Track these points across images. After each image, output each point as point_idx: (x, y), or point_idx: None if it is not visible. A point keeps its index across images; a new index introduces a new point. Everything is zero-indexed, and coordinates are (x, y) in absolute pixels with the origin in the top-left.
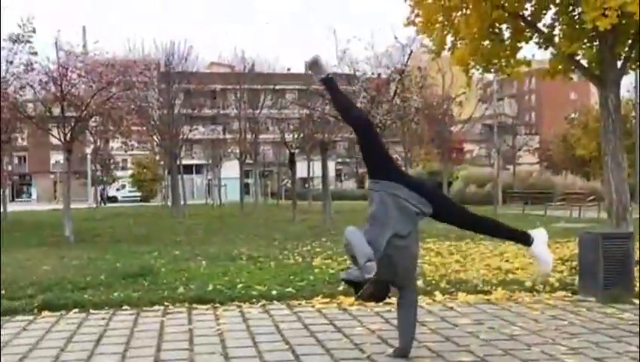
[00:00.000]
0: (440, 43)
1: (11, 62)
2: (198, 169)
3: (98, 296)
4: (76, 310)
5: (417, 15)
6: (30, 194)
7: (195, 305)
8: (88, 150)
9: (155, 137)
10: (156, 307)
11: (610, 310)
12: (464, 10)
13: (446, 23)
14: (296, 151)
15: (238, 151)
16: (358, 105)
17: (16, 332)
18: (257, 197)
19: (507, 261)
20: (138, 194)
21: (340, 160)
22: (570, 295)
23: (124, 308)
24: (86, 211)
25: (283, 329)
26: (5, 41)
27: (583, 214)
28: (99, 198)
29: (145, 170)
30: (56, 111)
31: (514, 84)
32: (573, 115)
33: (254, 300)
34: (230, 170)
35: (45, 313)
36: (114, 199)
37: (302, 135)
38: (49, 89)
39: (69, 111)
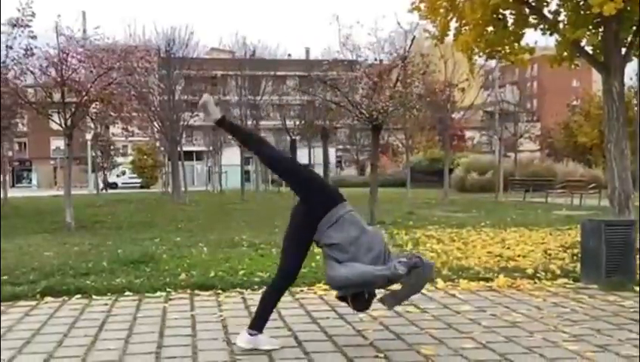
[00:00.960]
0: (443, 28)
1: (11, 47)
2: (199, 156)
3: (100, 282)
4: (79, 296)
5: (422, 0)
6: (30, 180)
7: (197, 292)
8: (88, 136)
9: (155, 123)
10: (158, 293)
11: (612, 297)
12: None
13: (450, 8)
14: (298, 137)
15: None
16: (360, 91)
17: (20, 317)
18: (258, 185)
19: (508, 248)
20: (138, 180)
21: (340, 147)
22: (572, 282)
23: (126, 294)
24: (86, 197)
25: (285, 315)
26: (4, 25)
27: (584, 202)
28: (101, 185)
29: (145, 157)
30: (57, 96)
31: (515, 71)
32: (575, 103)
33: (256, 286)
34: (231, 157)
35: (48, 299)
36: (114, 185)
37: (303, 121)
38: (49, 74)
39: (70, 96)
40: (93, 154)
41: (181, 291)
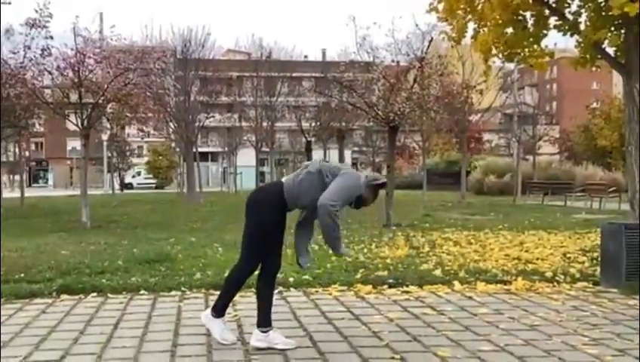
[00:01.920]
0: (460, 30)
1: (29, 47)
2: (214, 157)
3: (116, 280)
4: (94, 294)
5: (440, 1)
6: (47, 180)
7: (212, 291)
8: (105, 136)
9: (171, 124)
10: (173, 292)
11: (632, 301)
12: None
13: (468, 9)
14: (313, 139)
15: (254, 138)
16: (377, 92)
17: (36, 314)
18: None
19: (527, 251)
20: (153, 181)
21: (356, 148)
22: (591, 286)
23: (141, 292)
24: (102, 197)
25: (300, 316)
26: (22, 25)
27: (603, 205)
28: (118, 185)
29: (160, 157)
30: (74, 97)
31: (535, 73)
32: (595, 105)
33: None
34: (246, 157)
35: (64, 296)
36: (130, 186)
37: (319, 123)
38: (67, 75)
39: (87, 97)
40: (109, 154)
41: (196, 290)
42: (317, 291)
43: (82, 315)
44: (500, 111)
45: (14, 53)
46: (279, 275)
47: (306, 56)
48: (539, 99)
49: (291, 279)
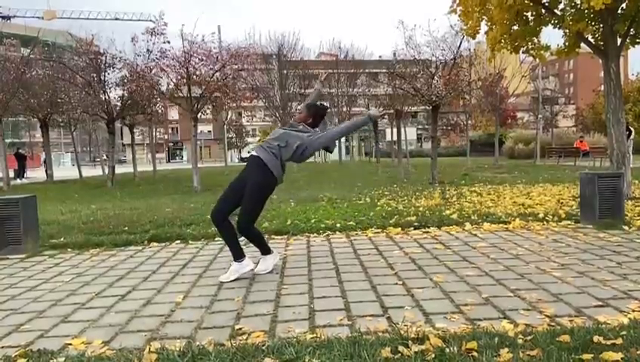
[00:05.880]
0: (474, 27)
1: (151, 51)
2: None
3: (198, 230)
4: (178, 241)
5: (458, 5)
6: (182, 157)
7: (273, 236)
8: (225, 121)
9: (276, 112)
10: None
11: (602, 234)
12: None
13: (481, 10)
14: (379, 119)
15: (336, 120)
16: (421, 80)
17: (124, 259)
18: (354, 156)
19: (530, 199)
20: None
21: (420, 126)
22: (573, 223)
23: (216, 239)
24: (219, 168)
25: (336, 252)
26: (144, 34)
27: (602, 164)
28: (237, 159)
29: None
30: (185, 90)
31: (556, 65)
32: (600, 88)
33: (321, 231)
34: None
35: (153, 244)
36: (246, 160)
37: (382, 106)
38: (179, 71)
39: (194, 89)
40: (229, 136)
41: None
42: (356, 233)
43: (161, 258)
44: (530, 95)
45: (139, 55)
46: (329, 222)
47: (380, 56)
48: (559, 85)
49: (338, 225)
